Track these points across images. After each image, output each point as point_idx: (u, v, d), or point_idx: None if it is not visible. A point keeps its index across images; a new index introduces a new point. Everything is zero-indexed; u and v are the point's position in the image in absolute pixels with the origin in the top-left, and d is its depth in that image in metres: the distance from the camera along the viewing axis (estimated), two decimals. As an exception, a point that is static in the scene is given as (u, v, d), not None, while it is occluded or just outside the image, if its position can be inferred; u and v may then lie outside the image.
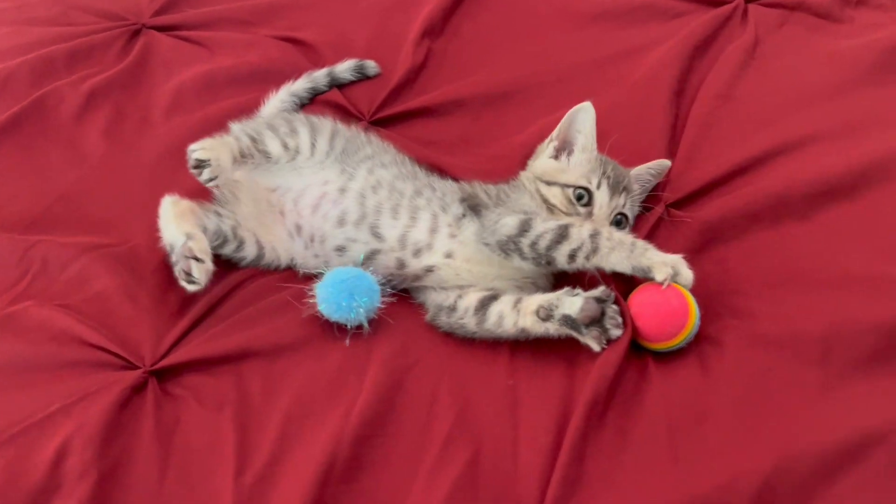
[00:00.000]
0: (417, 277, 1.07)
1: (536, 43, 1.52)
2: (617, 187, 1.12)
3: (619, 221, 1.12)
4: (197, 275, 1.00)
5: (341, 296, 0.99)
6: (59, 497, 0.84)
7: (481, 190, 1.15)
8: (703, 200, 1.15)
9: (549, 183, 1.14)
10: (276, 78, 1.41)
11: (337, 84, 1.43)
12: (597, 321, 0.94)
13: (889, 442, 0.78)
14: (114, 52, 1.51)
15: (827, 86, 1.28)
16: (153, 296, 1.08)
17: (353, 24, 1.57)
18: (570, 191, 1.11)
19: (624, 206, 1.13)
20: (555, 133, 1.18)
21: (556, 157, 1.17)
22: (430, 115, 1.39)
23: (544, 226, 1.00)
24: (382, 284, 1.04)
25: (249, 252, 1.13)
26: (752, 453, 0.81)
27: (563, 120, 1.17)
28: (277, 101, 1.36)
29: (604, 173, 1.12)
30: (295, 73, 1.42)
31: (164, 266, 1.11)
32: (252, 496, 0.84)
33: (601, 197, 1.11)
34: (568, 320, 0.95)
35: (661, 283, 0.94)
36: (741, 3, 1.50)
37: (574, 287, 0.98)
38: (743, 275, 1.02)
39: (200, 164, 1.04)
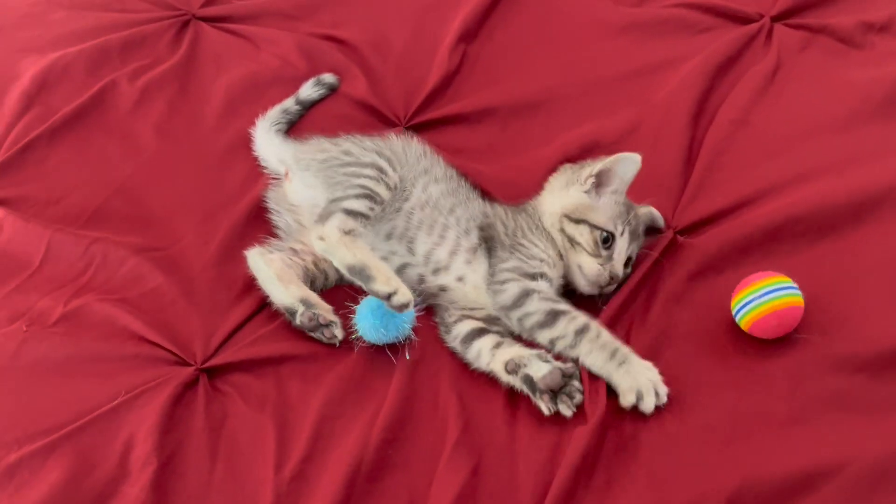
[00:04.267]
0: (433, 295, 1.17)
1: (566, 51, 1.58)
2: (634, 234, 1.18)
3: (625, 262, 1.18)
4: (340, 335, 1.11)
5: (385, 320, 1.08)
6: (128, 484, 0.96)
7: (500, 221, 1.20)
8: (708, 228, 1.23)
9: (577, 221, 1.16)
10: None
11: (307, 104, 1.47)
12: (555, 391, 1.01)
13: (840, 476, 0.89)
14: (164, 43, 1.60)
15: (837, 118, 1.35)
16: (202, 293, 1.19)
17: (393, 23, 1.65)
18: (598, 233, 1.15)
19: (634, 251, 1.19)
20: (591, 170, 1.18)
21: (588, 192, 1.19)
22: (462, 122, 1.47)
23: (537, 306, 1.07)
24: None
25: (331, 280, 1.21)
26: (720, 473, 0.92)
27: (605, 160, 1.17)
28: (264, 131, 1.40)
29: (627, 220, 1.17)
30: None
31: (212, 265, 1.23)
32: (290, 490, 0.96)
33: (622, 243, 1.16)
34: (528, 380, 1.03)
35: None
36: (767, 23, 1.55)
37: (549, 351, 1.07)
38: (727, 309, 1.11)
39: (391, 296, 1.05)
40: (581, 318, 1.06)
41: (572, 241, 1.16)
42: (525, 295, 1.09)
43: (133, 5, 1.69)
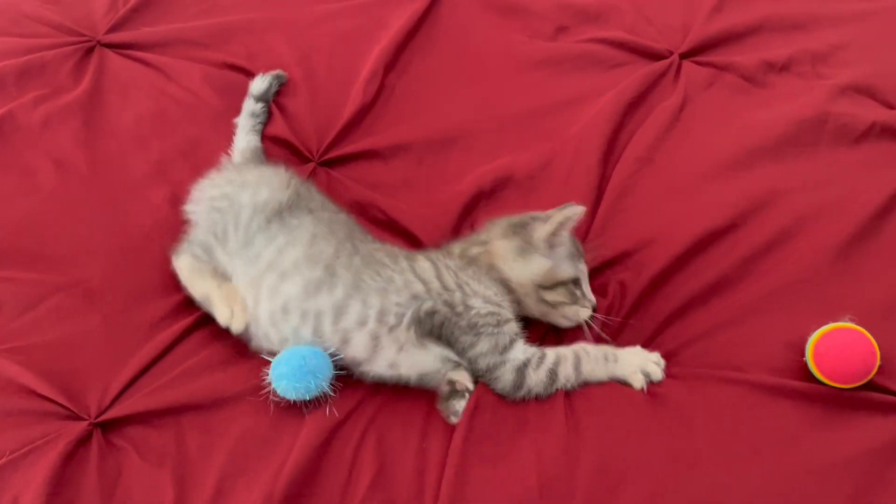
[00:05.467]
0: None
1: (482, 85, 1.58)
2: (583, 257, 1.20)
3: None
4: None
5: (307, 379, 1.03)
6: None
7: (442, 302, 1.09)
8: (609, 272, 1.26)
9: (552, 287, 1.14)
10: (230, 114, 1.47)
11: (268, 98, 1.49)
12: None
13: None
14: (66, 71, 1.54)
15: (735, 158, 1.39)
16: (101, 341, 1.14)
17: (307, 53, 1.62)
18: (571, 285, 1.15)
19: None
20: (543, 234, 1.15)
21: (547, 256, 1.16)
22: (376, 157, 1.45)
23: (536, 377, 1.06)
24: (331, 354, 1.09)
25: None
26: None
27: (553, 222, 1.14)
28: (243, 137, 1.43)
29: (579, 253, 1.18)
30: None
31: (114, 311, 1.17)
32: (187, 552, 0.93)
33: (585, 275, 1.19)
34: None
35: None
36: (676, 60, 1.59)
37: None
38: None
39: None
40: (567, 352, 1.10)
41: (555, 304, 1.15)
42: (521, 374, 1.07)
43: (32, 29, 1.62)
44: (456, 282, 1.11)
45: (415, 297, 1.09)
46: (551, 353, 1.09)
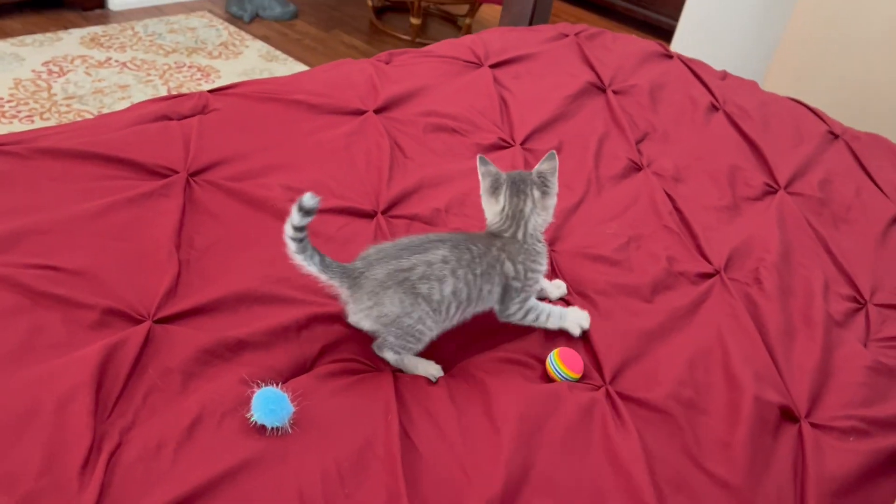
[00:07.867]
0: None
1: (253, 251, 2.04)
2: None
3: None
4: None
5: (273, 413, 1.49)
6: None
7: (511, 277, 1.76)
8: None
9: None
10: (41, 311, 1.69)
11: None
12: None
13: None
14: None
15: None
16: None
17: (96, 245, 1.89)
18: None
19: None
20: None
21: None
22: (201, 312, 1.81)
23: (521, 316, 1.80)
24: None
25: None
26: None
27: (555, 170, 1.76)
28: None
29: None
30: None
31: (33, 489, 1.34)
32: None
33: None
34: None
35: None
36: (380, 216, 2.27)
37: None
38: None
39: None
40: (546, 307, 1.79)
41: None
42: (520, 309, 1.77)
43: None
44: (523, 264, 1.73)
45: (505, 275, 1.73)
46: (540, 305, 1.78)
